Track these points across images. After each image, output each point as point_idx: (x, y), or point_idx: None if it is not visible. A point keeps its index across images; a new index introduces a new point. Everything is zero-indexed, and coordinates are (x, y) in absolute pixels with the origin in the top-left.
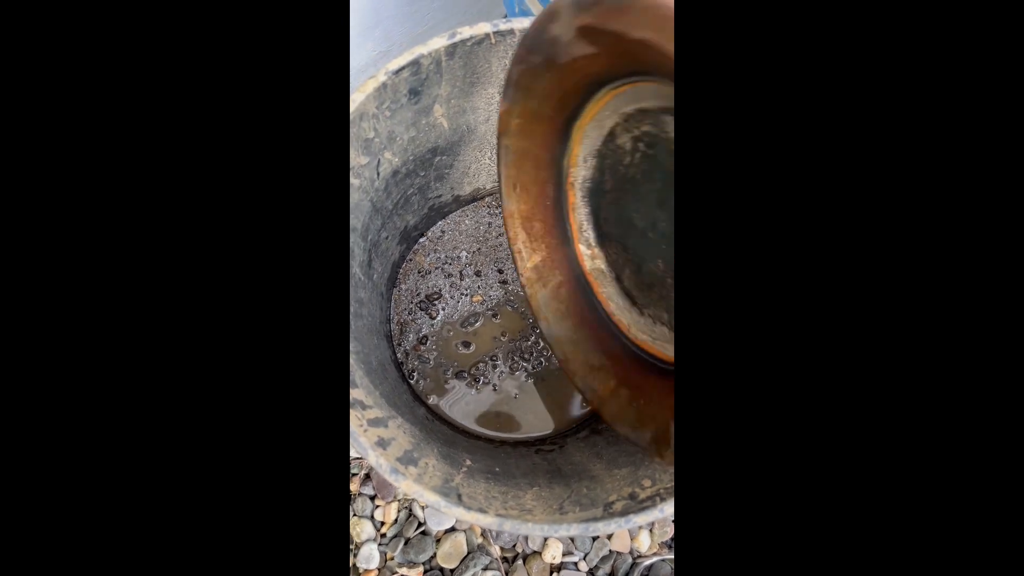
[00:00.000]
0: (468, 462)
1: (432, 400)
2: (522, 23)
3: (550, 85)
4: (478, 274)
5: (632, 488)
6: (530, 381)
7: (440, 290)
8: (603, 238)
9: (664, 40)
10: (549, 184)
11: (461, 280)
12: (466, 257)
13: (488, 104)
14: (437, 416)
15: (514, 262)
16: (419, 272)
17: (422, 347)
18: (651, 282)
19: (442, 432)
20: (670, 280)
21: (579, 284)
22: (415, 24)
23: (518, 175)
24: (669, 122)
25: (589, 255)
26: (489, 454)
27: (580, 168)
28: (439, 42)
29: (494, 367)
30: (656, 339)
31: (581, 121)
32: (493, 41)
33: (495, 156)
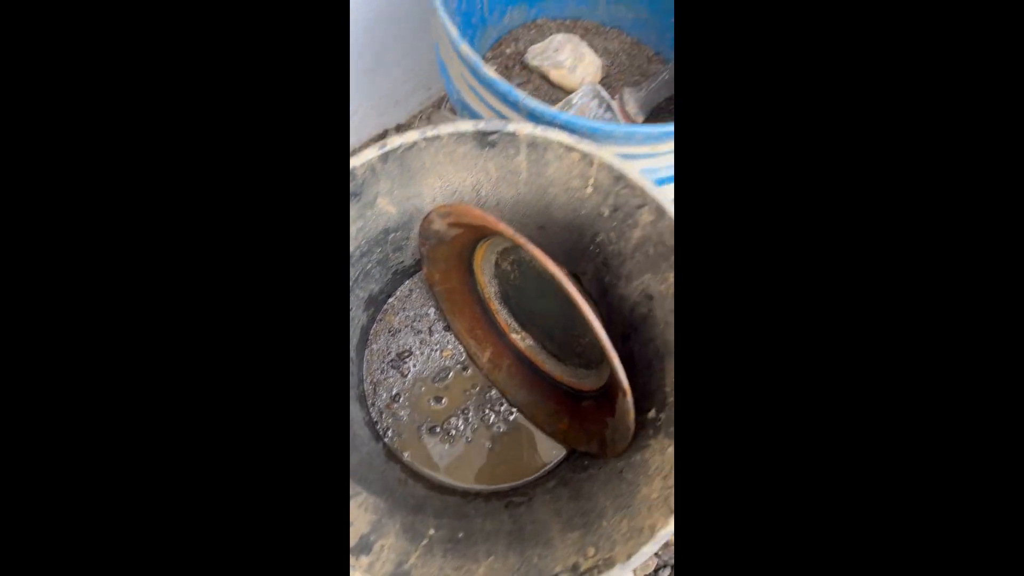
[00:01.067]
0: (431, 531)
1: (407, 456)
2: (447, 129)
3: (447, 252)
4: (447, 328)
5: (576, 558)
6: (502, 431)
7: (410, 348)
8: (523, 325)
9: (487, 223)
10: (475, 304)
11: (431, 336)
12: (435, 313)
13: (432, 189)
14: (412, 473)
15: (473, 362)
16: (389, 331)
17: (395, 404)
18: (561, 343)
19: (413, 495)
20: (569, 339)
21: (522, 360)
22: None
23: (452, 306)
24: (520, 250)
25: (520, 338)
26: (458, 513)
27: (489, 287)
28: (370, 153)
29: (466, 420)
30: (580, 379)
31: (476, 263)
32: (423, 146)
33: None
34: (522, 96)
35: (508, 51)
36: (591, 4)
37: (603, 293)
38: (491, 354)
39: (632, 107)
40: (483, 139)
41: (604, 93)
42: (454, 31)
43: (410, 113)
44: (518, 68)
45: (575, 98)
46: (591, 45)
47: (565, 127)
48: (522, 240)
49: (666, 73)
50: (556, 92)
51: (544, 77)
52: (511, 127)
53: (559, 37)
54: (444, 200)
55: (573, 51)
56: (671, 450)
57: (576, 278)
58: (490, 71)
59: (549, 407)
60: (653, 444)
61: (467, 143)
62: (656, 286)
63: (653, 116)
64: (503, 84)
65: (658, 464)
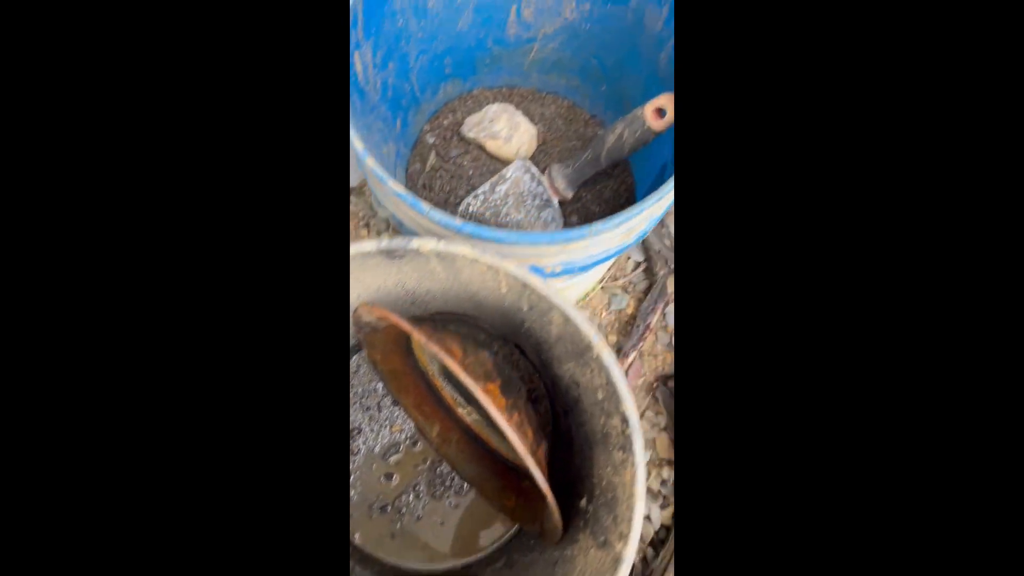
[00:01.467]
0: None
1: (357, 538)
2: (361, 248)
3: (382, 338)
4: (395, 403)
5: None
6: (454, 506)
7: (360, 425)
8: (468, 400)
9: (403, 329)
10: (420, 381)
11: (379, 411)
12: (382, 388)
13: (354, 291)
14: (361, 557)
15: (423, 436)
16: None
17: None
18: None
19: None
20: None
21: (470, 435)
22: None
23: (398, 384)
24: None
25: (467, 412)
26: None
27: (431, 365)
28: None
29: (417, 497)
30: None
31: (414, 344)
32: None
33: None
34: (427, 208)
35: (446, 123)
36: (523, 74)
37: (544, 367)
38: (440, 429)
39: (560, 183)
40: (390, 254)
41: (534, 169)
42: (359, 145)
43: (361, 180)
44: (456, 140)
45: (508, 172)
46: (528, 112)
47: (472, 237)
48: (436, 348)
49: (589, 152)
50: (494, 162)
51: (481, 148)
52: (414, 244)
53: (494, 107)
54: (369, 297)
55: (508, 121)
56: (593, 552)
57: (520, 349)
58: (396, 185)
59: (497, 483)
60: (581, 540)
61: (375, 257)
62: (580, 376)
63: (587, 186)
64: (408, 197)
65: (581, 567)
